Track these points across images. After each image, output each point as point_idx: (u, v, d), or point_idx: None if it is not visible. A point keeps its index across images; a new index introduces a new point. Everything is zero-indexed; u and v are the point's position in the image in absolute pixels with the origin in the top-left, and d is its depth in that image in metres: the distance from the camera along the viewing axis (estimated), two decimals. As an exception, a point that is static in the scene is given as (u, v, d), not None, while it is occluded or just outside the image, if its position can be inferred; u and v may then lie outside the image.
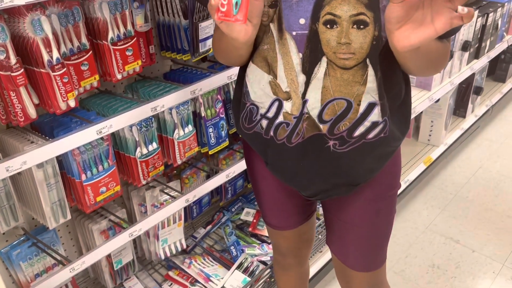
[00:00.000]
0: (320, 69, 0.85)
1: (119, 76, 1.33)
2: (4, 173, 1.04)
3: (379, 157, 0.97)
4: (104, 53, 1.29)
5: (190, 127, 1.56)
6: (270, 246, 1.89)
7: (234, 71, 1.53)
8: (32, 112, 1.11)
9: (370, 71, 0.85)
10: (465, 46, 2.40)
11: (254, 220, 2.03)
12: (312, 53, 0.84)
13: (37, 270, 1.42)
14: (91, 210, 1.36)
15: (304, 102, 0.88)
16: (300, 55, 0.85)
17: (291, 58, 0.85)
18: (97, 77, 1.29)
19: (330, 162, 0.94)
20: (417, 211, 2.42)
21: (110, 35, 1.26)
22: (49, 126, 1.28)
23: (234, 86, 1.69)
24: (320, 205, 1.22)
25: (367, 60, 0.84)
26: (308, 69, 0.85)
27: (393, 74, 0.90)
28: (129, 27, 1.31)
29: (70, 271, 1.25)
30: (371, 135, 0.91)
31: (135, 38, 1.34)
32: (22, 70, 1.06)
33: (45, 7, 1.10)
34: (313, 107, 0.88)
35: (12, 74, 1.04)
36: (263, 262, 1.82)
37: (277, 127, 0.93)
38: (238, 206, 2.13)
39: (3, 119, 1.14)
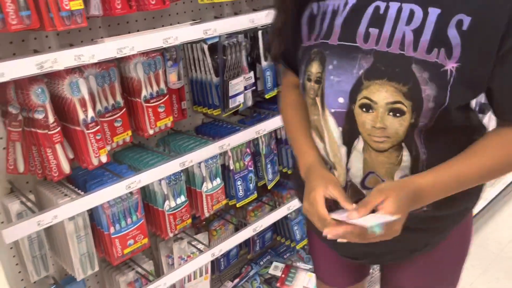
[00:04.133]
0: (359, 143, 0.85)
1: (151, 132, 1.38)
2: (36, 227, 1.08)
3: (430, 230, 0.94)
4: (137, 109, 1.35)
5: (218, 180, 1.58)
6: (298, 303, 1.82)
7: (263, 127, 1.55)
8: (66, 168, 1.17)
9: (405, 152, 0.83)
10: None
11: (283, 275, 1.98)
12: (351, 129, 0.85)
13: (64, 320, 1.43)
14: (118, 263, 1.37)
15: (348, 171, 0.89)
16: (340, 129, 0.86)
17: (332, 133, 0.87)
18: (129, 132, 1.34)
19: None
20: (457, 270, 2.29)
21: (144, 93, 1.32)
22: (82, 179, 1.33)
23: (263, 139, 1.71)
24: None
25: (402, 144, 0.83)
26: (348, 141, 0.86)
27: (436, 152, 0.86)
28: (162, 85, 1.38)
29: (94, 325, 1.26)
30: None
31: (168, 96, 1.39)
32: (59, 128, 1.12)
33: (83, 70, 1.17)
34: (356, 175, 0.88)
35: (49, 132, 1.10)
36: (291, 320, 1.76)
37: None
38: (266, 260, 2.09)
39: (39, 173, 1.19)
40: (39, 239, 1.32)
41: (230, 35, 1.50)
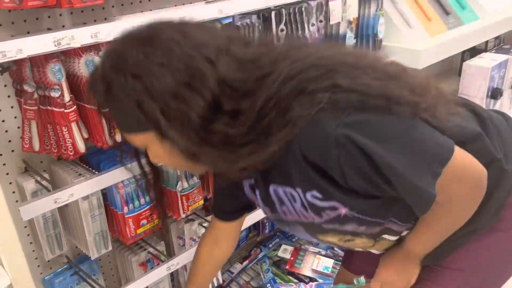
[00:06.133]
0: None
1: (164, 112, 1.37)
2: (52, 205, 1.09)
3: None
4: (151, 90, 1.34)
5: (230, 163, 1.57)
6: (307, 285, 1.84)
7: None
8: (82, 147, 1.17)
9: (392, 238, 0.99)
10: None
11: (292, 258, 1.99)
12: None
13: (77, 298, 1.45)
14: (131, 242, 1.38)
15: None
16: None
17: None
18: (143, 113, 1.33)
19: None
20: None
21: (157, 73, 1.31)
22: (96, 159, 1.34)
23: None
24: None
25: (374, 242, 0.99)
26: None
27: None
28: (176, 65, 1.36)
29: (108, 303, 1.27)
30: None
31: (181, 76, 1.38)
32: (75, 107, 1.12)
33: (99, 48, 1.16)
34: None
35: (65, 110, 1.10)
36: (300, 302, 1.78)
37: None
38: (275, 242, 2.11)
39: (54, 152, 1.19)
40: (53, 218, 1.33)
41: (243, 16, 1.49)
